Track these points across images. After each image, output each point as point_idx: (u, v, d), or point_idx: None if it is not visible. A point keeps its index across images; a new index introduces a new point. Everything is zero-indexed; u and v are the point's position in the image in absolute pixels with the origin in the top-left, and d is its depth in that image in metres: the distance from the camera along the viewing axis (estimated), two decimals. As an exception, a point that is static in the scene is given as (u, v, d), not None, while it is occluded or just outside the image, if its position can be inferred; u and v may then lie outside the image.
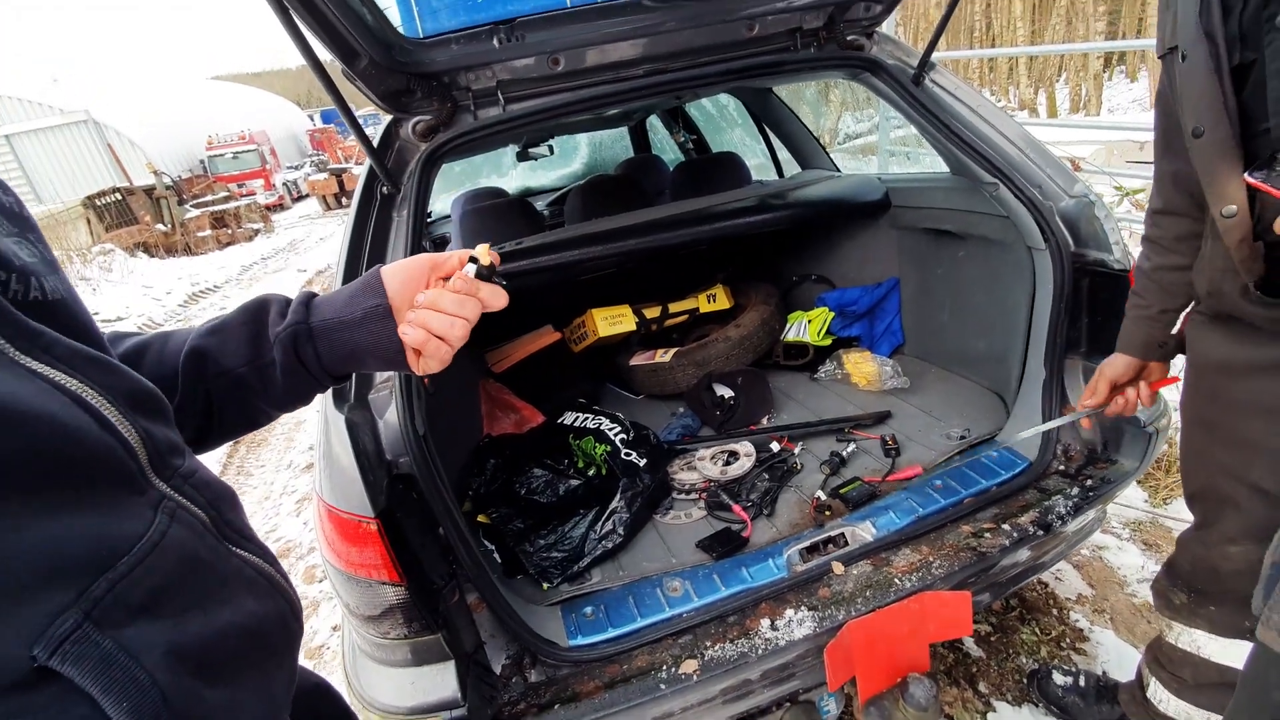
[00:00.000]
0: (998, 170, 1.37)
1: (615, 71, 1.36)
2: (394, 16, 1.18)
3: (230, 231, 12.61)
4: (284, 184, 19.45)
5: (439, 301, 0.61)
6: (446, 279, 0.64)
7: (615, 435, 1.59)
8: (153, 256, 10.96)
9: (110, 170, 19.01)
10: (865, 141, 7.74)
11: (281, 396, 0.62)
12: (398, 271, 0.63)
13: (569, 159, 3.96)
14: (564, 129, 2.95)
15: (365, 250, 1.18)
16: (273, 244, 12.03)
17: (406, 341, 0.61)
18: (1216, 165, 0.76)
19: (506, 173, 3.94)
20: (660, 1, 1.30)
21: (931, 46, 1.40)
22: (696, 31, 1.36)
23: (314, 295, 0.63)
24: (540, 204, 3.30)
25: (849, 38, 1.49)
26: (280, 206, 18.13)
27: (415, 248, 1.20)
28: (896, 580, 1.15)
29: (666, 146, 3.68)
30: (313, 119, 36.15)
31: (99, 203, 11.77)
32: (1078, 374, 1.36)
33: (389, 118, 1.29)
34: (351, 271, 1.16)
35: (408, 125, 1.29)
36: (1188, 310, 0.99)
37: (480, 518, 1.46)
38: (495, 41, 1.24)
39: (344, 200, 16.51)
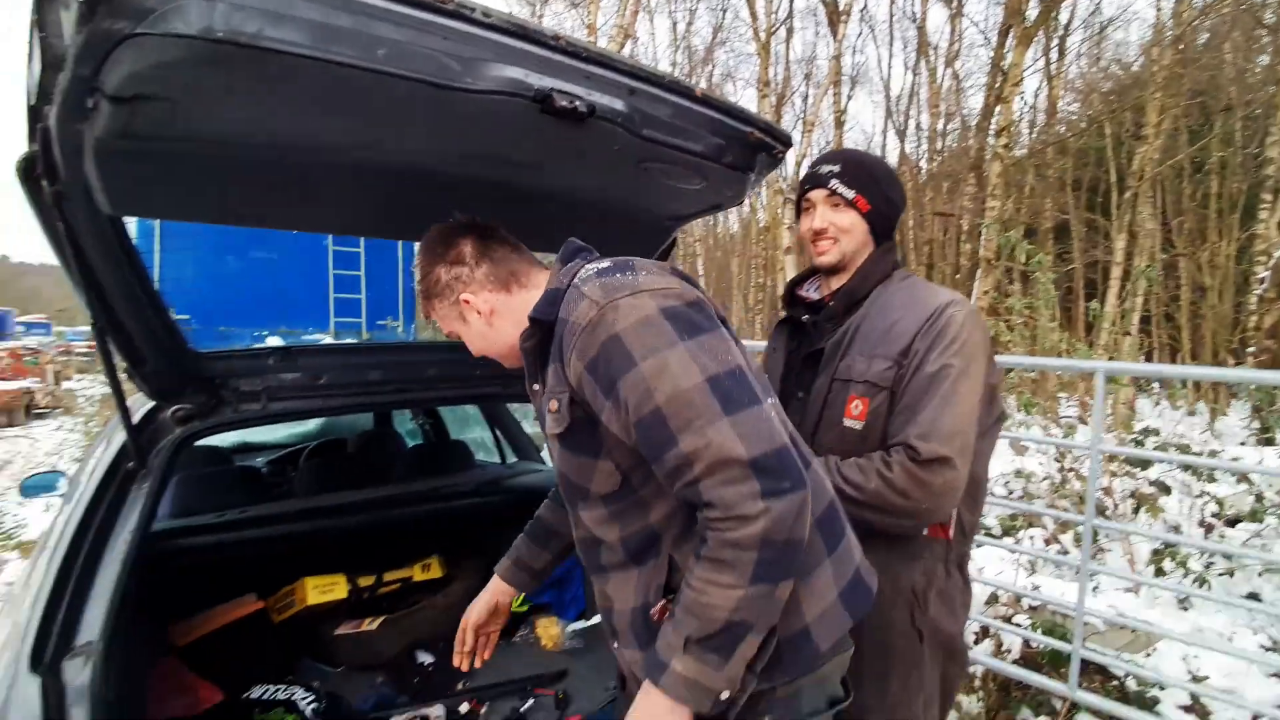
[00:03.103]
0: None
1: (368, 388, 1.80)
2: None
3: None
4: None
5: None
6: None
7: (307, 705, 1.65)
8: None
9: None
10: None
11: None
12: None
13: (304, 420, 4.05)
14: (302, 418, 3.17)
15: (95, 520, 1.30)
16: None
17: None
18: None
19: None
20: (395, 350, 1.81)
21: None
22: (438, 366, 1.90)
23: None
24: (262, 459, 3.31)
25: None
26: None
27: (148, 521, 1.34)
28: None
29: (405, 420, 4.05)
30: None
31: None
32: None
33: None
34: (76, 543, 1.25)
35: (167, 410, 1.51)
36: None
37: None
38: (270, 361, 1.61)
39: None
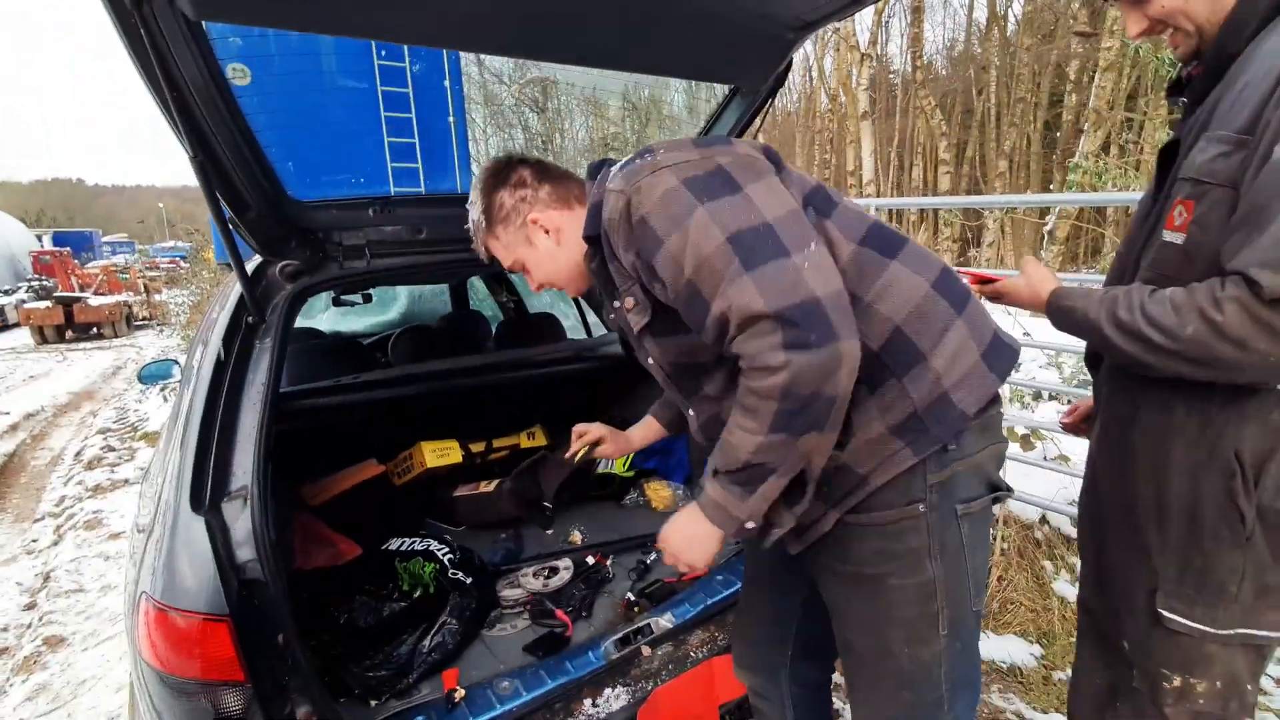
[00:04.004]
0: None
1: (466, 244, 1.70)
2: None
3: (-110, 361, 9.85)
4: (-19, 309, 15.99)
5: None
6: None
7: (443, 555, 1.69)
8: None
9: None
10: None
11: None
12: None
13: (386, 308, 4.10)
14: (404, 281, 3.16)
15: (228, 373, 1.28)
16: (-43, 379, 9.61)
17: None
18: None
19: (316, 316, 3.94)
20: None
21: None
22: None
23: None
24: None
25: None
26: (-28, 336, 14.71)
27: (277, 374, 1.32)
28: (692, 653, 1.41)
29: (486, 304, 4.04)
30: (41, 239, 30.86)
31: None
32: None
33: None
34: (214, 392, 1.24)
35: (276, 266, 1.46)
36: None
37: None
38: (370, 212, 1.51)
39: (69, 334, 13.97)
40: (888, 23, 16.55)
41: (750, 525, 0.91)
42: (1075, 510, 2.57)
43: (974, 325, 0.95)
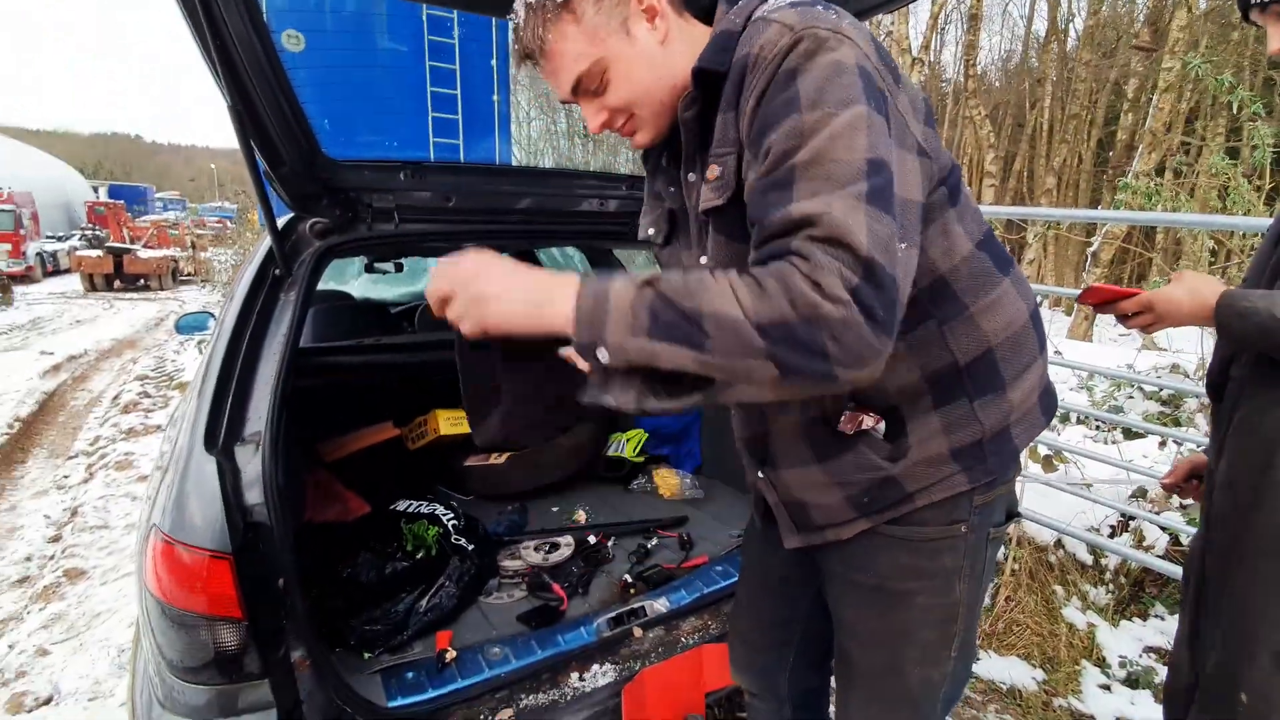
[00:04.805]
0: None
1: (496, 215, 1.71)
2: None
3: (-52, 297, 10.34)
4: (38, 254, 16.63)
5: None
6: None
7: (448, 520, 1.72)
8: None
9: None
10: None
11: None
12: None
13: (416, 278, 4.16)
14: (431, 251, 3.20)
15: (250, 322, 1.31)
16: (8, 319, 10.04)
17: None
18: None
19: (348, 281, 4.02)
20: (535, 176, 1.71)
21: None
22: (563, 199, 1.78)
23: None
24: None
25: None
26: (26, 278, 15.32)
27: (298, 328, 1.35)
28: (683, 639, 1.41)
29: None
30: (97, 191, 32.00)
31: None
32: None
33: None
34: (236, 340, 1.27)
35: (306, 223, 1.48)
36: None
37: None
38: (401, 176, 1.53)
39: (117, 284, 14.47)
40: (943, 29, 16.17)
41: (600, 355, 0.66)
42: (1094, 537, 2.50)
43: (1045, 367, 0.93)
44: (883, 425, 0.85)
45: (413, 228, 1.60)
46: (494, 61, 2.83)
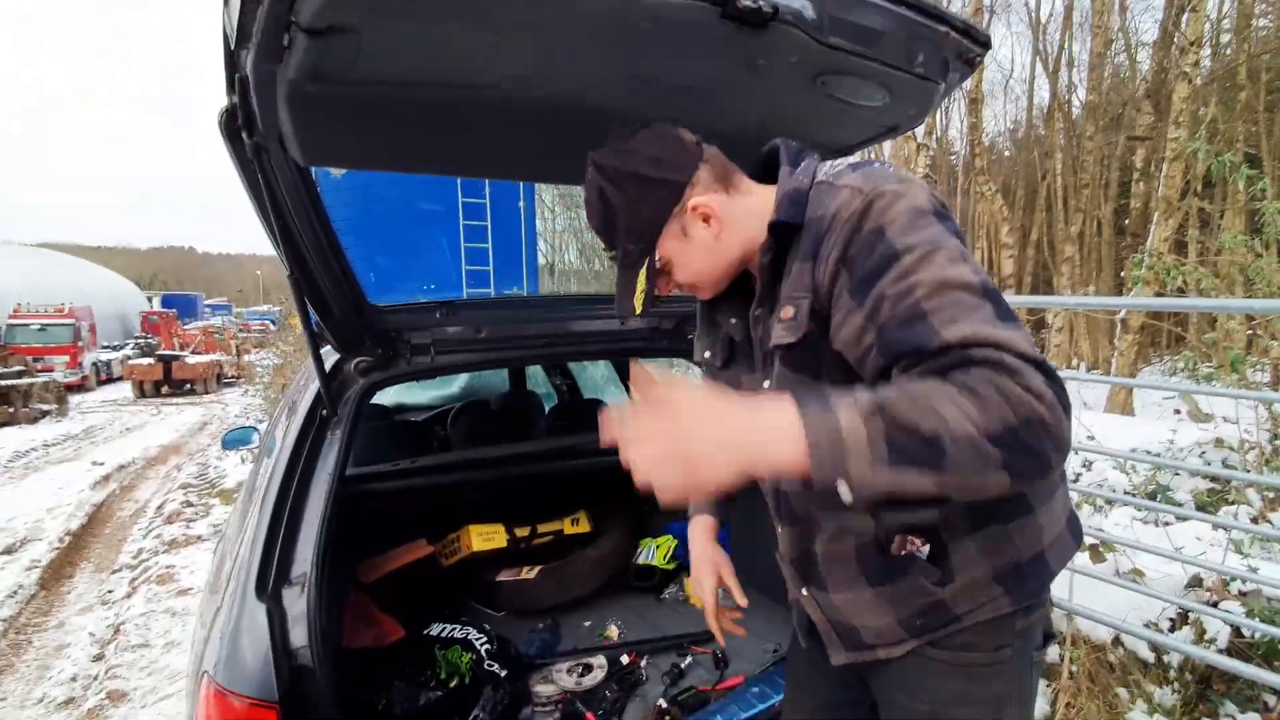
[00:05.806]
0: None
1: (522, 341, 1.83)
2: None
3: (10, 410, 10.92)
4: (94, 364, 17.61)
5: None
6: None
7: (481, 645, 1.73)
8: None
9: None
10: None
11: None
12: None
13: (448, 383, 4.32)
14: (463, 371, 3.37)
15: (299, 464, 1.40)
16: (63, 429, 10.52)
17: None
18: None
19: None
20: (556, 303, 1.83)
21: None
22: (583, 321, 1.90)
23: None
24: (415, 418, 3.55)
25: (690, 335, 2.11)
26: (81, 387, 16.16)
27: (343, 466, 1.44)
28: (721, 773, 1.37)
29: (541, 383, 4.19)
30: (151, 301, 34.13)
31: None
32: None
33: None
34: (287, 482, 1.36)
35: (351, 363, 1.61)
36: None
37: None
38: (437, 314, 1.66)
39: (165, 389, 15.15)
40: (946, 109, 16.85)
41: (842, 489, 0.65)
42: (1153, 634, 2.36)
43: (1068, 494, 0.96)
44: (928, 548, 0.89)
45: (447, 359, 1.71)
46: (521, 203, 3.09)
